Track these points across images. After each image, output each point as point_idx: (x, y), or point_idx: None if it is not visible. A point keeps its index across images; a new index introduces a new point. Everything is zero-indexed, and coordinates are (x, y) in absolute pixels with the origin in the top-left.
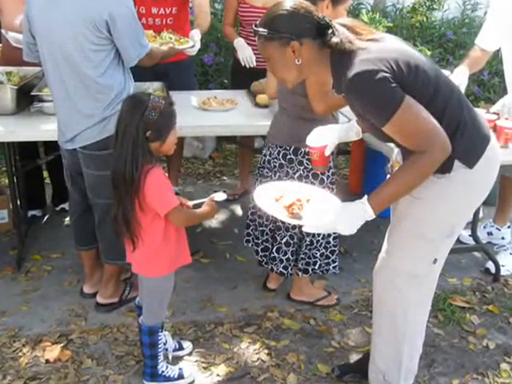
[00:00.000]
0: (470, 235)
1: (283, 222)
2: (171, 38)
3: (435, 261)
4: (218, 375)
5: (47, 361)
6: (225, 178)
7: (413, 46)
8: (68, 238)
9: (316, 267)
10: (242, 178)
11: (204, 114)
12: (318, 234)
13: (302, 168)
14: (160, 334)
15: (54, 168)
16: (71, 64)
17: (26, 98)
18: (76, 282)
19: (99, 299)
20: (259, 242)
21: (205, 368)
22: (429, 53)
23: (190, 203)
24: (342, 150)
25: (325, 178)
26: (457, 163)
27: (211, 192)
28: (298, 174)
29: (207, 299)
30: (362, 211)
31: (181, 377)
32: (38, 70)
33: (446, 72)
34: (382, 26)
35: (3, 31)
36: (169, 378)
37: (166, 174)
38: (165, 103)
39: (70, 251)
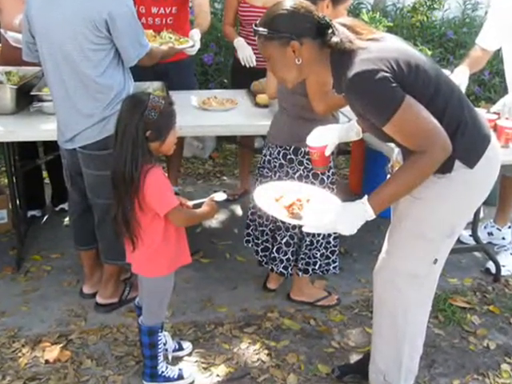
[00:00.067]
0: (470, 235)
1: (283, 222)
2: (171, 38)
3: (435, 261)
4: (217, 376)
5: (47, 361)
6: (225, 177)
7: (413, 45)
8: (67, 238)
9: (316, 267)
10: (242, 178)
11: (204, 114)
12: (318, 234)
13: (302, 168)
14: (160, 334)
15: (53, 168)
16: (71, 64)
17: (26, 98)
18: (75, 282)
19: (99, 299)
20: (259, 242)
21: (205, 368)
22: (429, 52)
23: (190, 203)
24: (343, 149)
25: (325, 178)
26: (457, 163)
27: (211, 192)
28: (298, 174)
29: (207, 299)
30: (362, 211)
31: (180, 377)
32: (38, 70)
33: (446, 72)
34: (382, 26)
35: (2, 31)
36: (168, 379)
37: (166, 174)
38: (164, 103)
39: (70, 251)
